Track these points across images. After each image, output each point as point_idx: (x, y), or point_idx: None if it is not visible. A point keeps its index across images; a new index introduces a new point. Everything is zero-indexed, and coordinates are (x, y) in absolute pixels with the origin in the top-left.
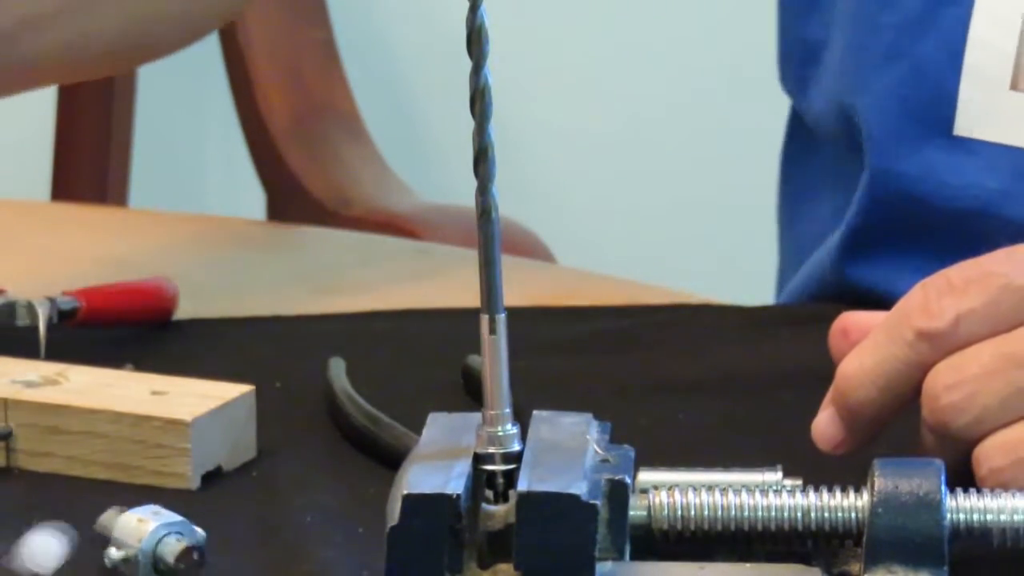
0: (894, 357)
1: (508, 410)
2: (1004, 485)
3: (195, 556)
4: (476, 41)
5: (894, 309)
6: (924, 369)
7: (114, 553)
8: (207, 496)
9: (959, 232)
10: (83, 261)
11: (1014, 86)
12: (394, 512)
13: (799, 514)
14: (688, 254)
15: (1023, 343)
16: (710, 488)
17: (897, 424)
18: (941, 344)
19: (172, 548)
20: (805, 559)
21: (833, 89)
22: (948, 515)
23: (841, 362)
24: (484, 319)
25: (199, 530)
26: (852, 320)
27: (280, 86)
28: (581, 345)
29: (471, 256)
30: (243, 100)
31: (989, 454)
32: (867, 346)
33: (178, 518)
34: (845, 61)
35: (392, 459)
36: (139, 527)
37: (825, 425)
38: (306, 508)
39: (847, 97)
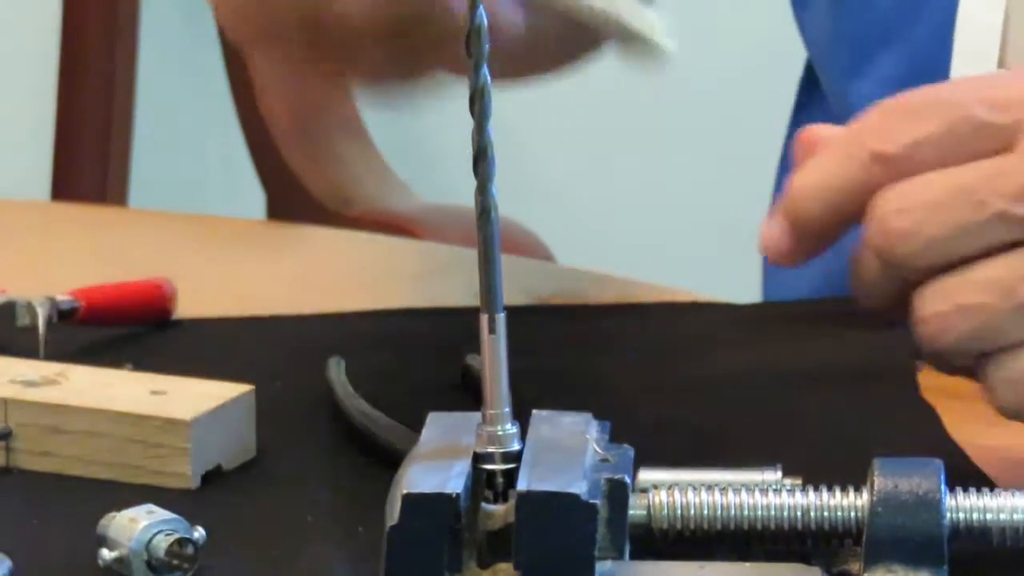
0: (846, 175)
1: (508, 410)
2: (943, 331)
3: (189, 549)
4: (476, 41)
5: (850, 127)
6: (873, 191)
7: (106, 554)
8: (207, 496)
9: None
10: (83, 261)
11: (1001, 63)
12: (394, 512)
13: (799, 513)
14: (688, 254)
15: (975, 178)
16: (710, 488)
17: (898, 424)
18: (894, 168)
19: (164, 543)
20: (805, 559)
21: (821, 67)
22: (948, 514)
23: (796, 173)
24: (484, 319)
25: (195, 527)
26: (817, 133)
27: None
28: (581, 345)
29: (471, 256)
30: (243, 100)
31: (929, 298)
32: (821, 162)
33: (172, 516)
34: (837, 46)
35: (392, 459)
36: (130, 527)
37: (772, 234)
38: (306, 508)
39: (838, 83)
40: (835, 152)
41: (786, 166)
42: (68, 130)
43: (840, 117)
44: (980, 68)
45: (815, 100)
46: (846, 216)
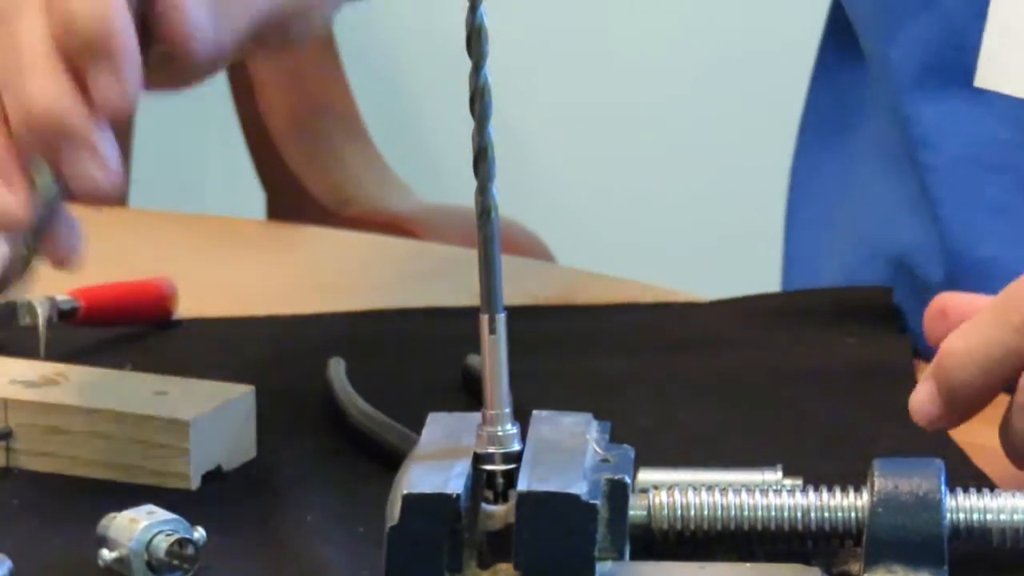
0: (999, 341)
1: (508, 410)
2: None
3: (189, 549)
4: (476, 41)
5: (1003, 293)
6: None
7: (106, 554)
8: (207, 496)
9: (961, 182)
10: (83, 261)
11: None
12: (394, 512)
13: (799, 514)
14: (688, 254)
15: None
16: (710, 488)
17: (898, 424)
18: None
19: (164, 543)
20: (805, 559)
21: (862, 31)
22: (948, 515)
23: (946, 339)
24: (484, 319)
25: (195, 527)
26: (950, 301)
27: (280, 86)
28: (581, 345)
29: (471, 256)
30: (243, 100)
31: None
32: (973, 327)
33: (172, 517)
34: (876, 10)
35: (392, 459)
36: (130, 527)
37: (923, 400)
38: (306, 508)
39: (876, 44)
40: (987, 317)
41: (801, 166)
42: None
43: (876, 83)
44: (1011, 46)
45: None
46: (998, 381)
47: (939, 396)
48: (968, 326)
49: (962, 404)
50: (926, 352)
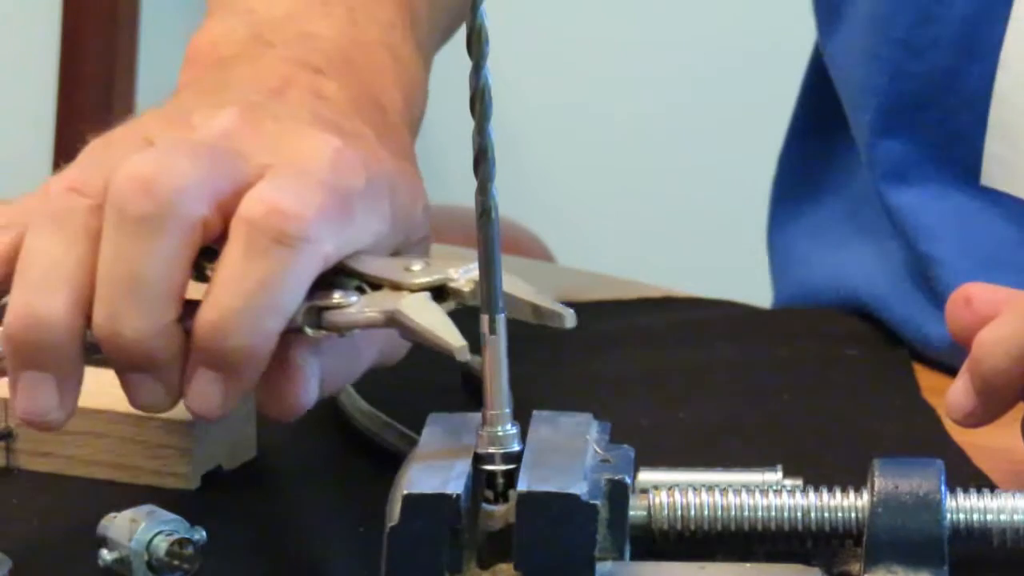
0: None
1: (508, 410)
2: None
3: (189, 549)
4: (476, 41)
5: None
6: None
7: (106, 555)
8: (207, 496)
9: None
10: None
11: None
12: (394, 512)
13: (799, 514)
14: (688, 254)
15: None
16: (710, 488)
17: (898, 424)
18: None
19: (164, 543)
20: (805, 559)
21: (854, 119)
22: (948, 515)
23: (979, 332)
24: (484, 319)
25: (195, 527)
26: (975, 290)
27: None
28: (581, 345)
29: (471, 256)
30: None
31: None
32: (1005, 318)
33: (172, 517)
34: (869, 100)
35: (392, 459)
36: (130, 527)
37: (958, 395)
38: (306, 508)
39: (868, 135)
40: (1020, 309)
41: (788, 163)
42: (68, 130)
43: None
44: (1014, 148)
45: (821, 96)
46: None
47: (973, 389)
48: (1001, 318)
49: (996, 396)
50: (946, 354)
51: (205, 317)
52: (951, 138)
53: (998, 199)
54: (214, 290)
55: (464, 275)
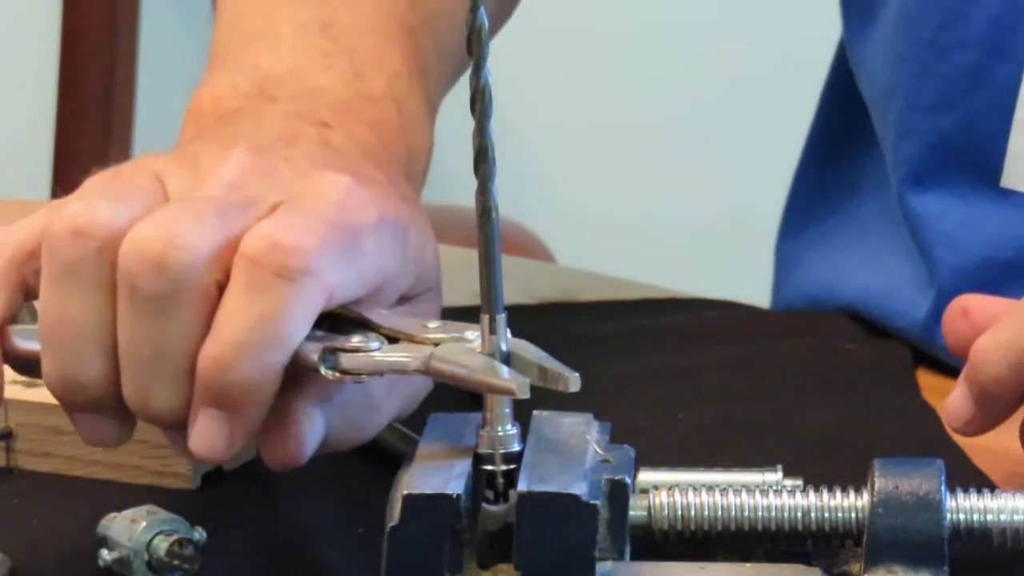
0: None
1: (508, 410)
2: None
3: (189, 549)
4: (476, 41)
5: None
6: None
7: (106, 555)
8: (207, 496)
9: (994, 276)
10: None
11: None
12: (394, 512)
13: (799, 514)
14: (688, 254)
15: None
16: (710, 488)
17: (898, 424)
18: None
19: (164, 543)
20: (805, 559)
21: (880, 124)
22: (948, 515)
23: (977, 340)
24: (484, 319)
25: (195, 527)
26: (972, 301)
27: None
28: (581, 345)
29: (471, 256)
30: None
31: None
32: (1003, 325)
33: (172, 517)
34: (893, 101)
35: (392, 459)
36: (130, 527)
37: (957, 403)
38: (306, 508)
39: (893, 137)
40: (1017, 316)
41: (804, 179)
42: (68, 130)
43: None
44: None
45: (839, 114)
46: None
47: (971, 397)
48: (998, 325)
49: (994, 403)
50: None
51: (207, 353)
52: (973, 139)
53: (1019, 201)
54: (216, 327)
55: (479, 339)
